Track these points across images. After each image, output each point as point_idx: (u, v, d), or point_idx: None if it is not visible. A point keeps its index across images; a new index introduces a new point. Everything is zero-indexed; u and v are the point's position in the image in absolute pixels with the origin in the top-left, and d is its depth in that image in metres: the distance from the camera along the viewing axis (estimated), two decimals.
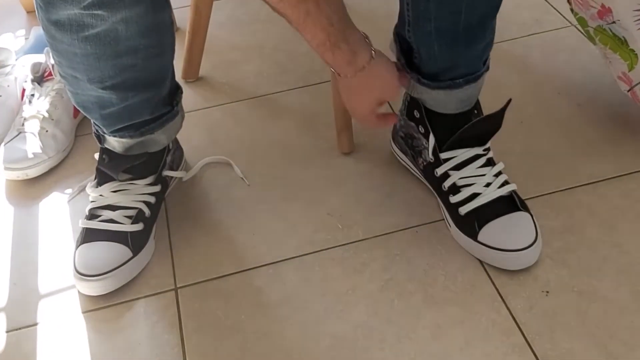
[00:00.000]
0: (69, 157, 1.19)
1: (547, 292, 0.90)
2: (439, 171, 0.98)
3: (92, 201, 1.00)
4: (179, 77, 1.20)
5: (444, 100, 0.96)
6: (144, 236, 0.99)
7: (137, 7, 0.85)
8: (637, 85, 1.02)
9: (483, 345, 0.85)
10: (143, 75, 0.92)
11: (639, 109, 1.06)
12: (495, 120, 0.96)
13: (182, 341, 0.90)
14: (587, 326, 0.86)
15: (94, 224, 0.97)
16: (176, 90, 1.03)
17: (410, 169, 1.07)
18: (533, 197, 1.01)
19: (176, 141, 1.09)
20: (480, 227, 0.94)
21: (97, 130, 1.00)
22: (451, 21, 0.89)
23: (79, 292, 0.96)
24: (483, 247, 0.93)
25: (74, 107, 1.20)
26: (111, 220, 0.97)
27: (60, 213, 1.09)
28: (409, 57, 0.97)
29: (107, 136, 0.99)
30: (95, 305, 0.95)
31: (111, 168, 0.99)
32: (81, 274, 0.94)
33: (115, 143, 0.99)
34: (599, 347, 0.84)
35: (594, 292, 0.89)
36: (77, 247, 0.97)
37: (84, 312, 0.95)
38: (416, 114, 1.00)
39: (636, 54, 0.98)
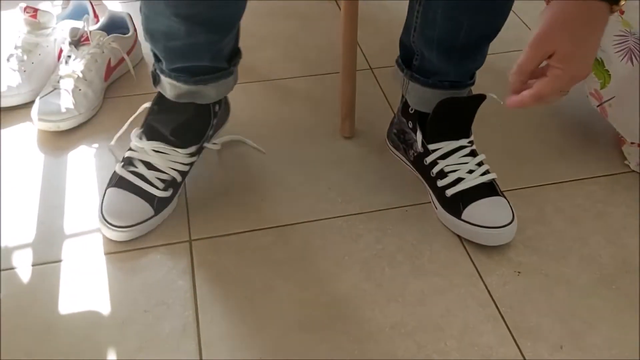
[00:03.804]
0: (97, 115, 1.10)
1: (519, 272, 0.86)
2: (428, 160, 0.94)
3: (132, 149, 0.91)
4: None
5: (429, 99, 0.92)
6: (169, 200, 0.92)
7: None
8: (606, 102, 0.98)
9: (462, 313, 0.81)
10: (214, 15, 0.82)
11: (603, 123, 1.03)
12: (472, 104, 0.92)
13: (194, 287, 0.83)
14: (552, 304, 0.82)
15: (130, 177, 0.89)
16: (237, 54, 0.94)
17: (403, 161, 1.02)
18: (508, 190, 0.96)
19: (220, 125, 1.00)
20: (464, 207, 0.90)
21: (155, 69, 0.91)
22: (452, 35, 0.85)
23: (102, 235, 0.89)
24: (466, 224, 0.89)
25: (105, 70, 1.11)
26: (144, 179, 0.89)
27: (87, 164, 1.01)
28: (409, 62, 0.94)
29: (163, 77, 0.89)
30: (116, 249, 0.88)
31: (160, 121, 0.90)
32: (106, 221, 0.87)
33: (168, 86, 0.89)
34: (562, 323, 0.80)
35: (559, 276, 0.86)
36: (107, 187, 0.89)
37: (105, 254, 0.87)
38: (410, 110, 0.97)
39: (610, 74, 0.95)
